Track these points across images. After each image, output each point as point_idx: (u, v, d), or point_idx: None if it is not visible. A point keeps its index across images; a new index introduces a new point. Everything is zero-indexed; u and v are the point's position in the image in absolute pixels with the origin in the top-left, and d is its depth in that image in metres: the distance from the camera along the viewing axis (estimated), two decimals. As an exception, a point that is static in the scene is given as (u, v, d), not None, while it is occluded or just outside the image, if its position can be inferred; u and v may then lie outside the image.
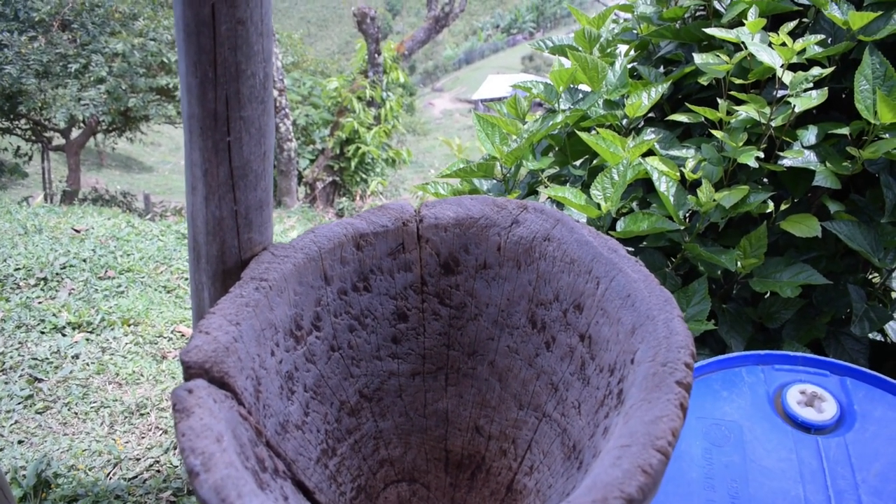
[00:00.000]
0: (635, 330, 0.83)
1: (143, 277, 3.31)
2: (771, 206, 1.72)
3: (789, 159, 1.66)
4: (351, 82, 11.22)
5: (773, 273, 1.68)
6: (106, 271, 3.34)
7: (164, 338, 2.78)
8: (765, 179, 1.80)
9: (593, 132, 1.84)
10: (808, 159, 1.67)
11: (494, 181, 1.87)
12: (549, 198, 1.70)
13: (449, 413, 1.11)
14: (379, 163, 11.91)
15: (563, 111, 1.85)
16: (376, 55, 10.56)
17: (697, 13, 2.07)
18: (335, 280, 1.00)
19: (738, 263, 1.65)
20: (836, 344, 1.75)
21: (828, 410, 1.21)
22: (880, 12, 1.66)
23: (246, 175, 0.88)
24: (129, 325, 2.82)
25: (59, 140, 13.81)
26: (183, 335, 2.80)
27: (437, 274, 1.05)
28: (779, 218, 1.75)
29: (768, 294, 1.80)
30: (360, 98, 10.99)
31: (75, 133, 13.29)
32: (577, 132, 1.71)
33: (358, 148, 11.19)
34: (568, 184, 1.91)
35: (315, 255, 0.97)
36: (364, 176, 11.78)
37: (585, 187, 1.83)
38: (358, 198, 11.88)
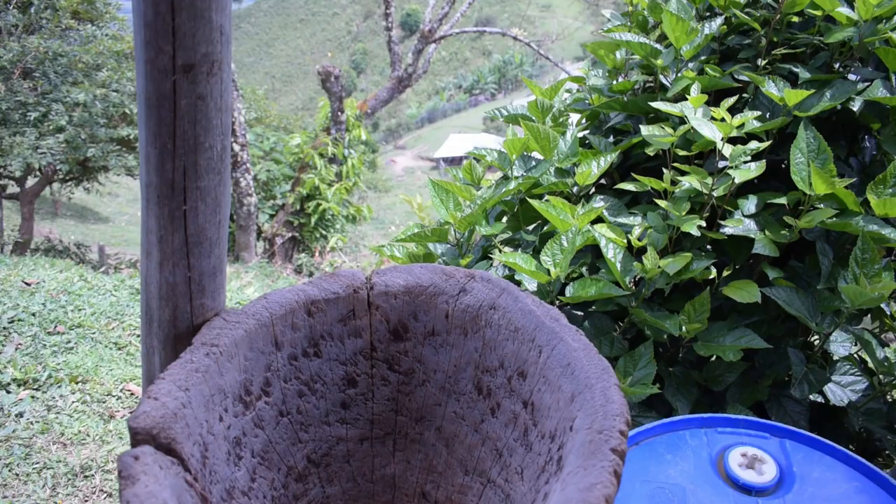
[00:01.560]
0: (574, 398, 0.86)
1: (93, 333, 3.26)
2: (714, 272, 1.78)
3: (730, 228, 1.73)
4: (313, 139, 11.32)
5: (717, 337, 1.74)
6: (56, 326, 3.28)
7: (113, 396, 2.73)
8: (708, 246, 1.86)
9: (545, 199, 1.90)
10: (749, 227, 1.74)
11: (449, 245, 1.91)
12: (500, 262, 1.75)
13: (396, 479, 1.12)
14: (339, 219, 11.95)
15: (516, 178, 1.91)
16: (339, 113, 10.68)
17: (647, 85, 2.17)
18: (286, 346, 1.01)
19: (683, 328, 1.70)
20: (778, 406, 1.80)
21: (768, 472, 1.24)
22: (813, 90, 1.77)
23: (200, 242, 0.90)
24: (76, 383, 2.76)
25: (13, 188, 13.59)
26: (132, 394, 2.75)
27: (387, 340, 1.08)
28: (722, 284, 1.81)
29: (714, 357, 1.85)
30: (322, 155, 11.08)
31: (31, 181, 13.10)
32: (529, 199, 1.77)
33: (318, 204, 11.23)
34: (520, 248, 1.96)
35: (266, 321, 0.99)
36: (324, 232, 11.79)
37: (536, 252, 1.88)
38: (317, 254, 11.87)
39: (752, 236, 1.72)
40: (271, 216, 12.20)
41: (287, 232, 11.75)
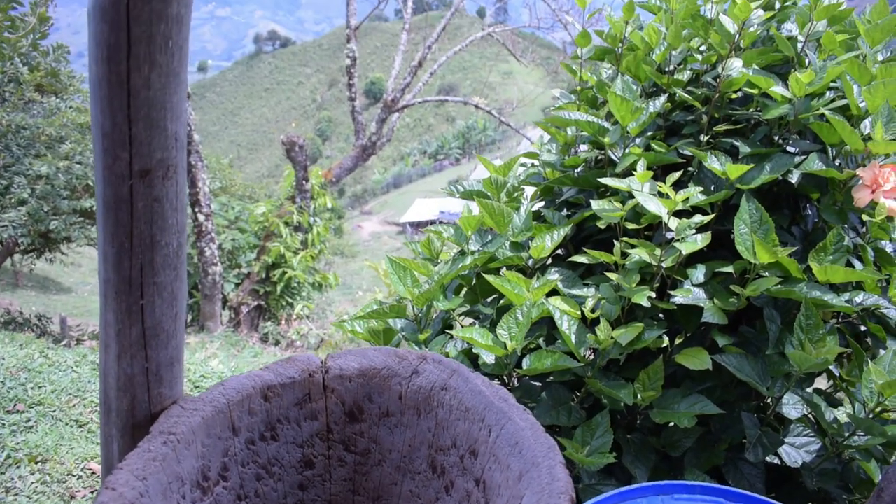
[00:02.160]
0: (522, 476, 0.90)
1: (53, 411, 3.21)
2: (666, 340, 1.84)
3: (680, 297, 1.79)
4: (278, 207, 11.37)
5: (672, 404, 1.78)
6: (15, 405, 3.23)
7: (74, 476, 2.68)
8: (660, 315, 1.92)
9: (501, 273, 1.96)
10: (697, 297, 1.80)
11: (407, 321, 1.95)
12: (458, 337, 1.78)
13: (354, 559, 1.13)
14: (305, 286, 11.93)
15: (472, 253, 1.97)
16: (304, 181, 10.78)
17: (597, 160, 2.25)
18: (243, 430, 1.04)
19: (639, 396, 1.75)
20: (735, 470, 1.83)
21: None
22: (753, 164, 1.86)
23: (158, 335, 0.93)
24: (36, 463, 2.71)
25: (-28, 262, 13.38)
26: (94, 472, 2.71)
27: (343, 422, 1.11)
28: (675, 352, 1.86)
29: (671, 423, 1.90)
30: (287, 223, 11.12)
31: (-9, 255, 12.91)
32: (484, 274, 1.82)
33: (284, 272, 11.21)
34: (478, 321, 2.00)
35: (223, 407, 1.01)
36: (290, 300, 11.75)
37: (494, 325, 1.92)
38: (283, 322, 11.79)
39: (702, 305, 1.78)
40: (237, 285, 12.14)
41: (253, 300, 11.68)
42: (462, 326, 2.05)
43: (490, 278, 1.78)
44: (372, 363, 1.10)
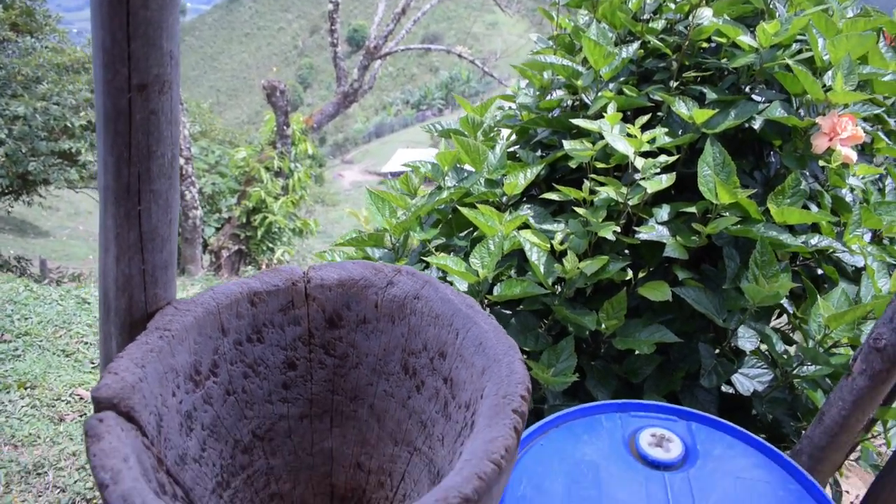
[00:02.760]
0: (485, 371, 1.00)
1: (41, 341, 3.29)
2: (630, 274, 1.94)
3: (644, 233, 1.89)
4: (259, 152, 11.34)
5: (633, 333, 1.89)
6: (2, 335, 3.31)
7: (63, 401, 2.78)
8: (626, 251, 2.03)
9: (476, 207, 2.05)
10: (661, 233, 1.91)
11: (385, 250, 2.04)
12: (434, 265, 1.88)
13: (334, 451, 1.24)
14: (286, 232, 11.96)
15: (449, 188, 2.06)
16: (285, 127, 10.74)
17: (573, 103, 2.33)
18: (231, 332, 1.13)
19: (603, 325, 1.86)
20: (690, 396, 1.96)
21: (674, 450, 1.37)
22: (718, 110, 1.95)
23: (153, 239, 1.02)
24: (25, 388, 2.81)
25: (-51, 202, 13.27)
26: (82, 398, 2.81)
27: (323, 328, 1.20)
28: (639, 285, 1.97)
29: (635, 353, 2.01)
30: (268, 168, 11.11)
31: (-32, 196, 12.81)
32: (460, 208, 1.91)
33: (265, 217, 11.24)
34: (452, 253, 2.10)
35: (213, 309, 1.11)
36: (270, 245, 11.79)
37: (467, 256, 2.02)
38: (264, 266, 11.85)
39: (664, 241, 1.88)
40: (217, 229, 12.16)
41: (233, 245, 11.72)
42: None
43: (465, 211, 1.87)
44: (350, 274, 1.19)
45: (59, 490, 2.14)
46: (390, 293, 1.18)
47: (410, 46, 11.95)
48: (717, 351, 1.93)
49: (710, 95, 2.01)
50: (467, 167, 2.15)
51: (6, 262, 11.93)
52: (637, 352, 1.97)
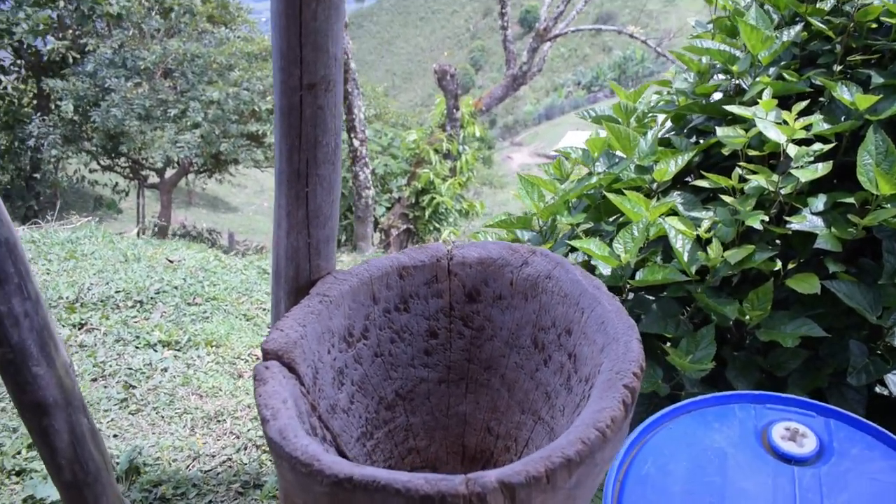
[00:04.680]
0: (604, 348, 1.08)
1: (226, 306, 3.67)
2: (780, 264, 1.91)
3: (795, 224, 1.85)
4: (429, 135, 11.70)
5: (778, 325, 1.86)
6: (194, 298, 3.72)
7: (242, 359, 3.11)
8: (777, 241, 1.99)
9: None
10: (814, 224, 1.85)
11: (534, 232, 2.13)
12: (579, 248, 1.95)
13: (467, 416, 1.37)
14: (452, 213, 12.26)
15: (598, 174, 2.11)
16: (454, 110, 11.01)
17: (731, 89, 2.30)
18: (381, 301, 1.28)
19: (747, 315, 1.85)
20: (838, 394, 1.89)
21: (808, 445, 1.32)
22: (882, 95, 1.87)
23: (318, 216, 1.18)
24: (211, 346, 3.16)
25: (153, 179, 14.76)
26: (258, 357, 3.13)
27: (463, 301, 1.32)
28: (788, 276, 1.93)
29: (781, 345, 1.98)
30: (436, 150, 11.43)
31: (169, 173, 14.19)
32: (606, 193, 1.97)
33: (432, 198, 11.58)
34: (600, 238, 2.15)
35: (367, 280, 1.25)
36: (437, 225, 12.14)
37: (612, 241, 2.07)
38: (430, 245, 12.21)
39: (817, 232, 1.83)
40: (387, 209, 12.68)
41: (402, 224, 12.18)
42: (583, 242, 2.20)
43: (611, 196, 1.92)
44: (489, 253, 1.30)
45: (234, 436, 2.43)
46: (524, 272, 1.27)
47: (580, 28, 11.85)
48: (871, 349, 1.86)
49: (877, 80, 1.92)
50: (618, 153, 2.19)
51: (200, 234, 13.13)
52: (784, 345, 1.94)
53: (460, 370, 1.35)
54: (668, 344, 1.94)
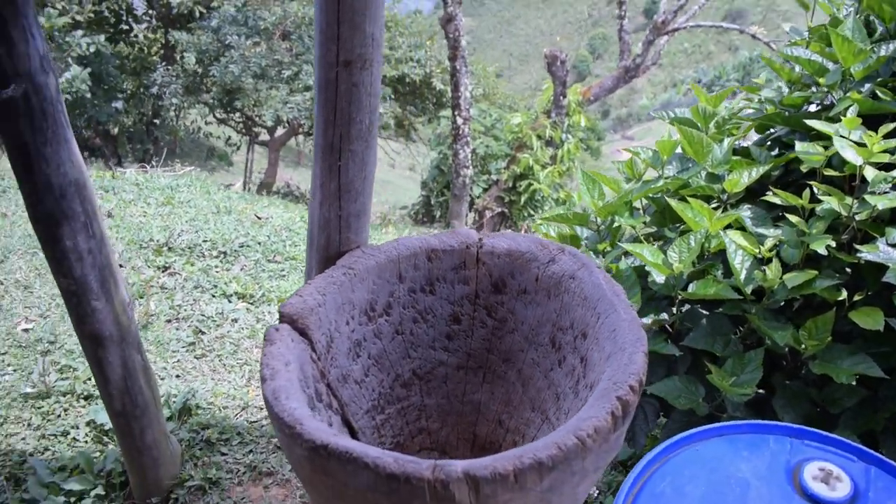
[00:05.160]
0: (610, 357, 1.07)
1: (302, 266, 3.80)
2: (844, 294, 1.81)
3: (866, 252, 1.76)
4: (534, 120, 11.61)
5: (835, 359, 1.76)
6: (274, 256, 3.86)
7: (307, 320, 3.23)
8: (847, 270, 1.89)
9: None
10: (888, 256, 1.74)
11: (592, 231, 2.10)
12: (631, 252, 1.91)
13: (481, 405, 1.38)
14: (549, 201, 12.16)
15: (666, 178, 2.06)
16: (561, 97, 10.88)
17: (821, 103, 2.19)
18: (407, 280, 1.30)
19: (802, 344, 1.76)
20: (892, 439, 1.79)
21: (840, 490, 1.23)
22: None
23: (349, 190, 1.21)
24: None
25: (264, 136, 15.28)
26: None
27: (488, 291, 1.33)
28: (853, 308, 1.83)
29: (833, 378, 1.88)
30: (539, 137, 11.34)
31: (279, 132, 14.65)
32: (668, 199, 1.91)
33: (530, 184, 11.52)
34: (662, 242, 2.10)
35: (395, 258, 1.28)
36: (532, 212, 12.07)
37: (673, 248, 2.01)
38: (523, 231, 12.21)
39: (889, 264, 1.73)
40: (484, 189, 12.70)
41: (497, 207, 12.17)
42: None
43: (672, 202, 1.87)
44: (518, 246, 1.30)
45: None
46: (551, 269, 1.27)
47: (699, 24, 11.43)
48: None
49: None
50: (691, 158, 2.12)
51: (302, 195, 13.51)
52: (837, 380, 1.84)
53: (480, 359, 1.37)
54: (713, 361, 1.88)
